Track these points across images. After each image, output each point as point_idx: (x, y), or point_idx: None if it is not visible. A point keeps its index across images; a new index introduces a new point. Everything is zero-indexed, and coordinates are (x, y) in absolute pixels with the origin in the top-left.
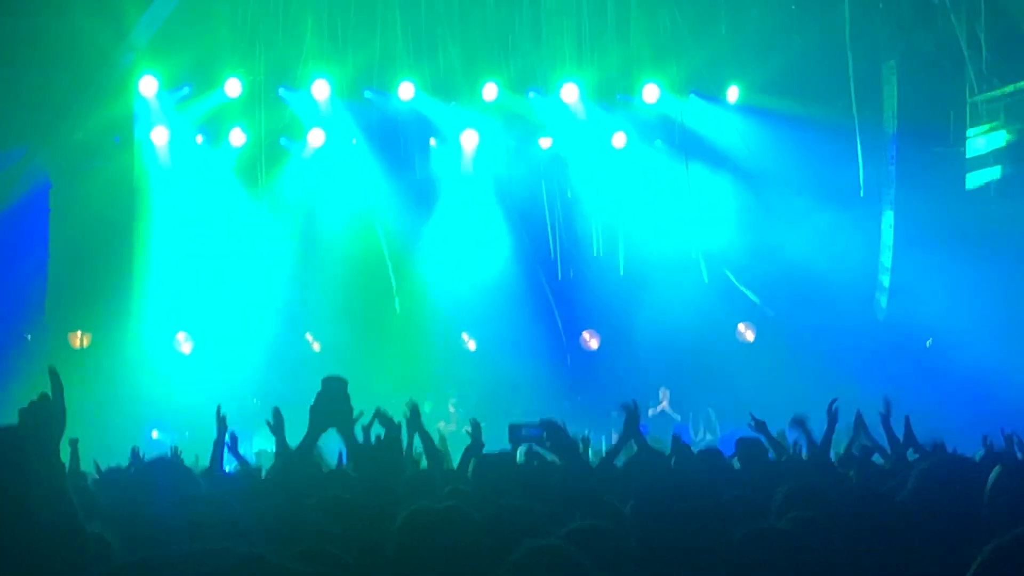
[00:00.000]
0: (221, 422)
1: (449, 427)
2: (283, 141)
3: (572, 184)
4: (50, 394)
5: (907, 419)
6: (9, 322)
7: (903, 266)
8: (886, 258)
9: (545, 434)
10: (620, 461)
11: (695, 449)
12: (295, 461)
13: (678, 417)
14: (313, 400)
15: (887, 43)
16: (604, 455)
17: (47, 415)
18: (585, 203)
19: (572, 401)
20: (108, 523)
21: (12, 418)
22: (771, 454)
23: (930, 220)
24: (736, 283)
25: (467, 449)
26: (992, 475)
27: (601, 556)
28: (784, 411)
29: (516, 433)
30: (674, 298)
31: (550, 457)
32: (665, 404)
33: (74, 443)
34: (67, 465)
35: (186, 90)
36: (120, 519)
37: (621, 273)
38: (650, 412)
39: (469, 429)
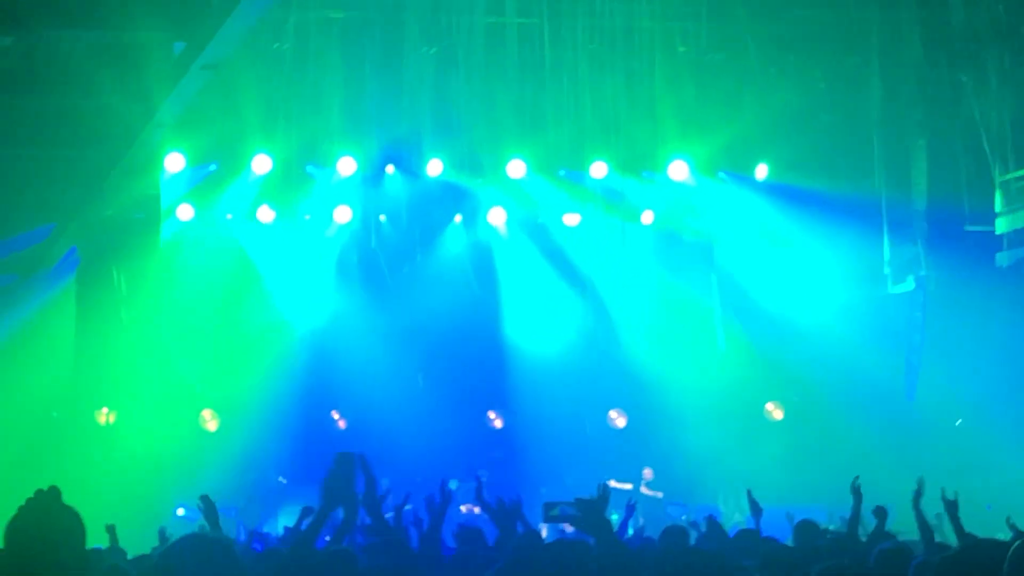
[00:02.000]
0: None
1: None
2: (310, 217)
3: (601, 261)
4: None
5: (948, 503)
6: (36, 398)
7: (932, 345)
8: (915, 337)
9: (580, 513)
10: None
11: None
12: (309, 537)
13: (659, 495)
14: (328, 475)
15: (917, 122)
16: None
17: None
18: (612, 280)
19: (598, 477)
20: None
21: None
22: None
23: (960, 299)
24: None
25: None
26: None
27: None
28: (811, 489)
29: (550, 511)
30: (699, 377)
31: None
32: (644, 486)
33: (112, 529)
34: (108, 544)
35: (213, 167)
36: None
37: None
38: (643, 490)
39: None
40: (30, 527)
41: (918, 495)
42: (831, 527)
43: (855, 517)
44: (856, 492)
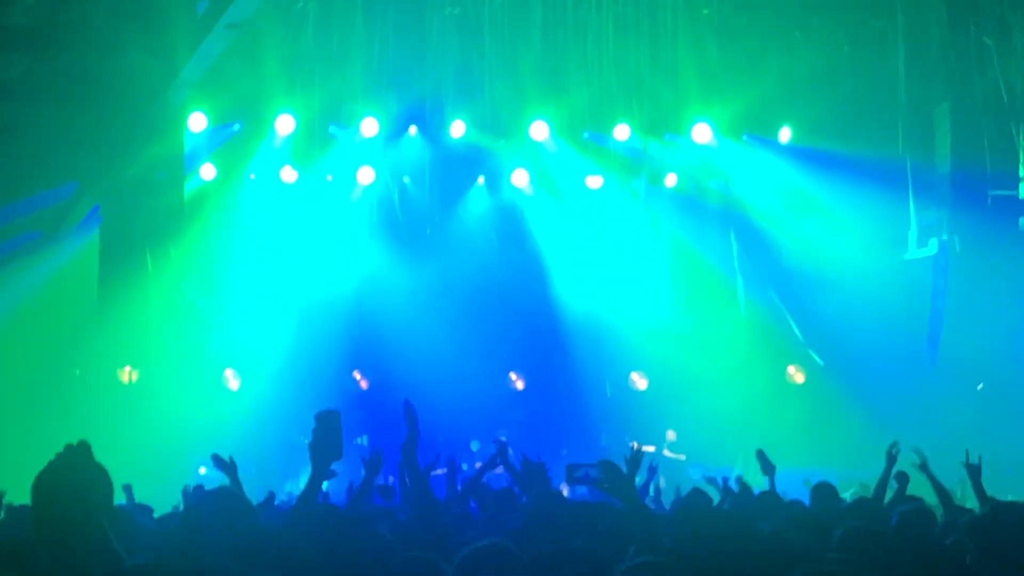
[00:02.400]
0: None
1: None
2: (333, 178)
3: (624, 223)
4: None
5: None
6: (59, 357)
7: (954, 309)
8: (937, 301)
9: (604, 476)
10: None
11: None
12: (307, 502)
13: (682, 457)
14: (312, 437)
15: (941, 85)
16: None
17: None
18: (635, 242)
19: (616, 439)
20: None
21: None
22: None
23: (982, 263)
24: (793, 326)
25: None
26: None
27: None
28: (834, 454)
29: (573, 473)
30: (720, 340)
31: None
32: (666, 448)
33: (128, 488)
34: (125, 503)
35: (236, 127)
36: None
37: (666, 313)
38: (665, 452)
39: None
40: (59, 483)
41: (924, 464)
42: (849, 491)
43: (884, 481)
44: (891, 457)
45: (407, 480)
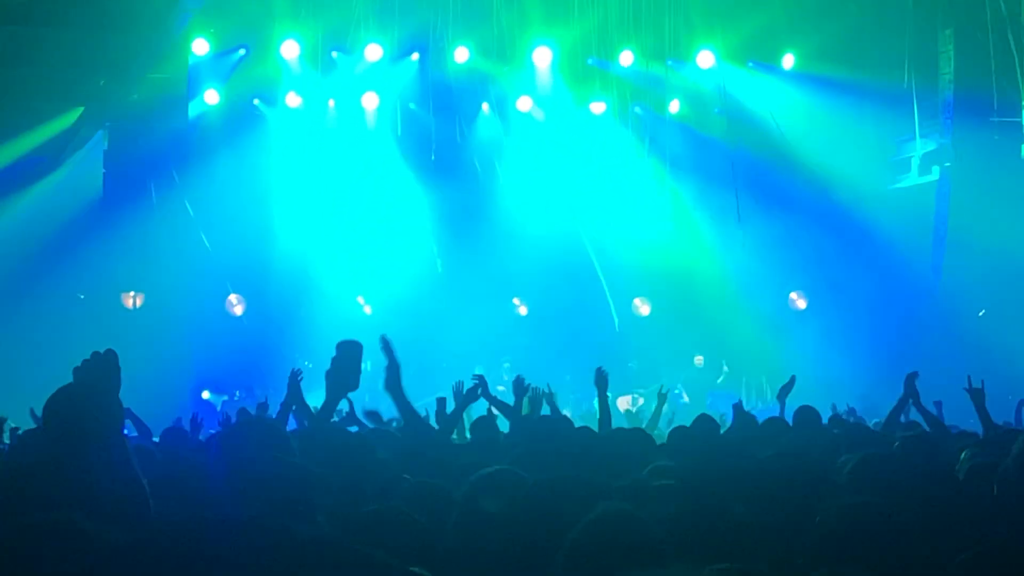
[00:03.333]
0: (294, 382)
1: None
2: (337, 103)
3: (626, 149)
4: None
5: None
6: (63, 281)
7: (958, 235)
8: (939, 227)
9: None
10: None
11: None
12: (319, 424)
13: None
14: (331, 365)
15: (944, 11)
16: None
17: (104, 371)
18: (637, 169)
19: (625, 366)
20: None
21: (67, 377)
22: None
23: (984, 189)
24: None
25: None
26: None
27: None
28: (835, 380)
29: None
30: (723, 265)
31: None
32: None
33: (128, 412)
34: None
35: (239, 52)
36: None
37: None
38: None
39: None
40: (71, 404)
41: (906, 397)
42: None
43: (899, 408)
44: (909, 385)
45: (400, 409)
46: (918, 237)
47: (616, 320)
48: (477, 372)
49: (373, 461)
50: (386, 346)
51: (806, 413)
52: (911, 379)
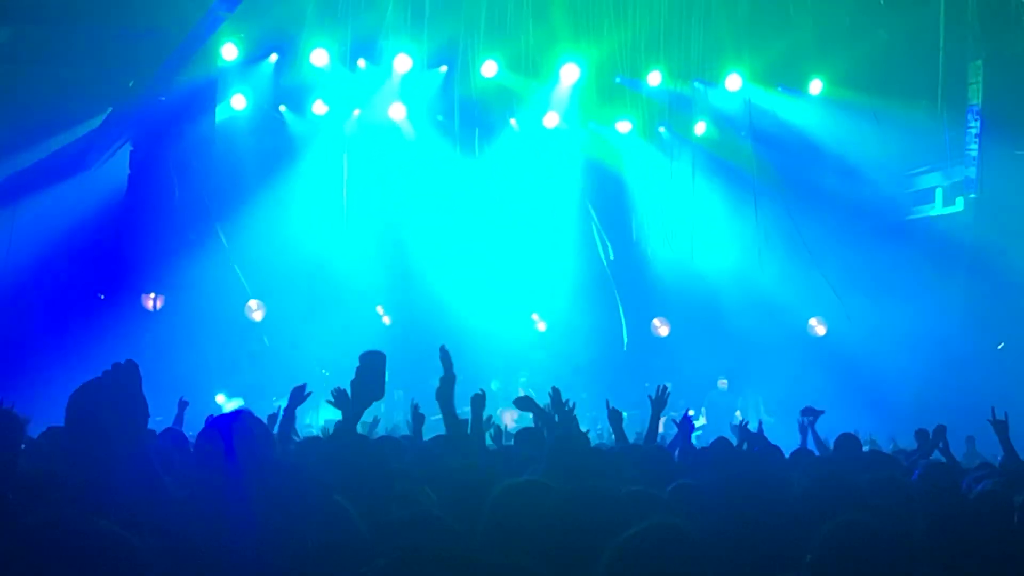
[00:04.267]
0: (296, 395)
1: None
2: (362, 112)
3: (651, 169)
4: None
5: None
6: (85, 281)
7: (985, 266)
8: (962, 259)
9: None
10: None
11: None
12: (343, 434)
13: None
14: (355, 375)
15: (975, 42)
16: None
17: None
18: (661, 189)
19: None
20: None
21: (86, 376)
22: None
23: (1008, 221)
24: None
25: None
26: None
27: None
28: (854, 406)
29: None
30: (741, 291)
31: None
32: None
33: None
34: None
35: (268, 58)
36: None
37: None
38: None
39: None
40: (97, 401)
41: (1001, 423)
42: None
43: (934, 445)
44: (938, 436)
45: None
46: (942, 267)
47: (625, 340)
48: (493, 387)
49: (394, 470)
50: (445, 356)
51: (847, 441)
52: (940, 432)
